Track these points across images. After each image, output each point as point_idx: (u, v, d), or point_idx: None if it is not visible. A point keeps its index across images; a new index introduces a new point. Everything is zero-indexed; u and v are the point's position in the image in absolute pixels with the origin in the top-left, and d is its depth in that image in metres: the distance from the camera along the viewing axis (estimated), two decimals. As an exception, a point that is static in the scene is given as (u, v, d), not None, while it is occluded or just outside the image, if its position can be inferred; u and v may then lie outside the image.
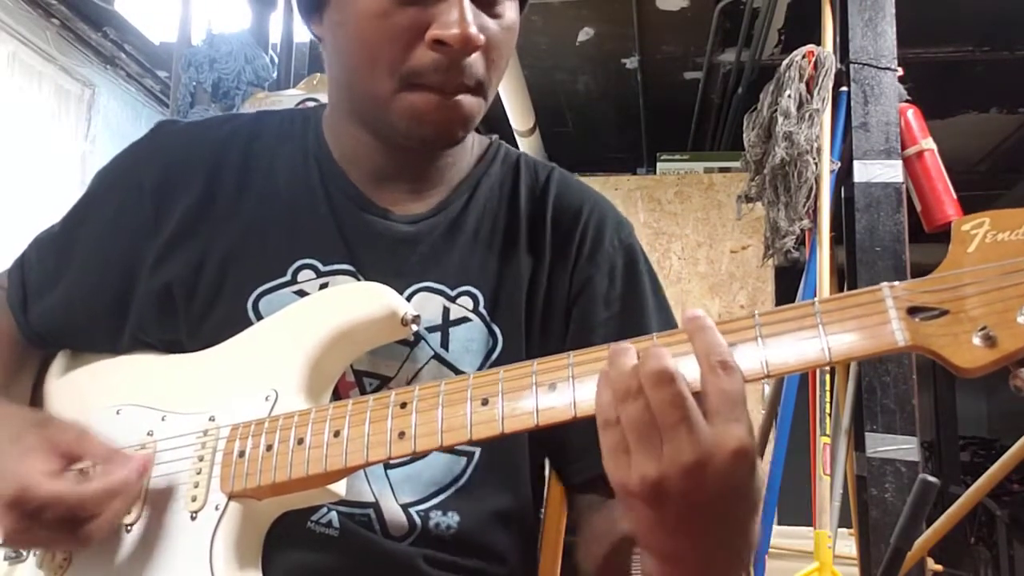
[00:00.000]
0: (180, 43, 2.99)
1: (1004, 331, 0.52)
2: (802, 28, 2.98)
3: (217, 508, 0.73)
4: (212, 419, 0.77)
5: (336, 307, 0.78)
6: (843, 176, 2.11)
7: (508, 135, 4.06)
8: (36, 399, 0.93)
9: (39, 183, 3.63)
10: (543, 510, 0.97)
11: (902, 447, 1.91)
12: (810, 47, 2.10)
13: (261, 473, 0.71)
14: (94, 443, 0.76)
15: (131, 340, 0.87)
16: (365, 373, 0.82)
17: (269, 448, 0.72)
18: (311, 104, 2.39)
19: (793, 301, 2.22)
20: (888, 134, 2.08)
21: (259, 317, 0.82)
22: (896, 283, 0.56)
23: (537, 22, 3.70)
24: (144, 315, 0.86)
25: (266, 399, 0.75)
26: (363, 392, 0.82)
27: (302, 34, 3.14)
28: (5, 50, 3.51)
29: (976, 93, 4.18)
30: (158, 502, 0.76)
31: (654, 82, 4.28)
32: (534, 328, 0.86)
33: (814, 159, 2.03)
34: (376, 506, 0.79)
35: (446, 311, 0.84)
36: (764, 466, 2.15)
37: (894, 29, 2.13)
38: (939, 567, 1.97)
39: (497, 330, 0.84)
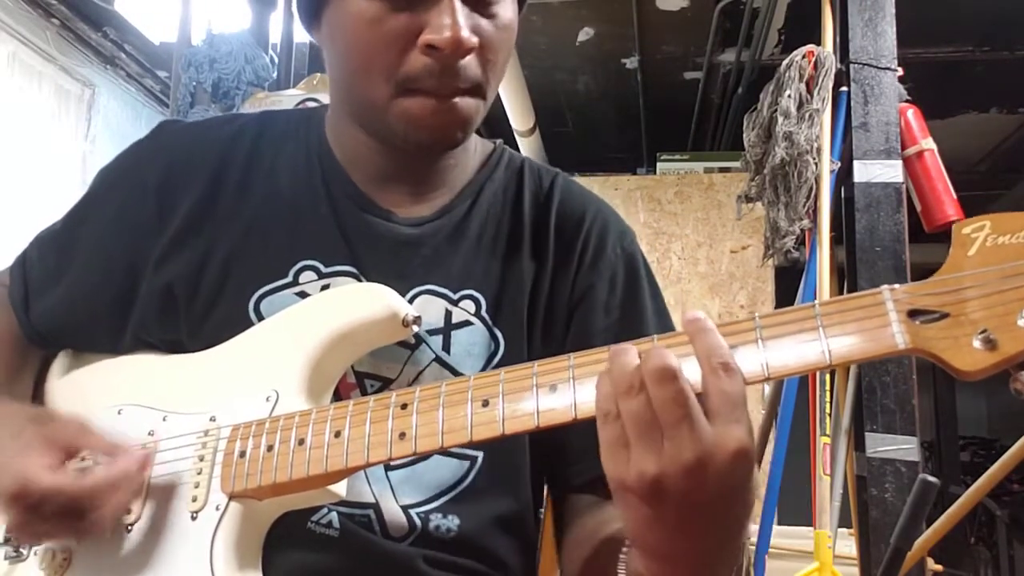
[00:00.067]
0: (180, 43, 2.99)
1: (1004, 334, 0.52)
2: (802, 28, 2.98)
3: (218, 508, 0.73)
4: (213, 419, 0.77)
5: (337, 308, 0.78)
6: (843, 176, 2.11)
7: (508, 135, 4.06)
8: (37, 399, 0.93)
9: (39, 183, 3.63)
10: (543, 511, 0.97)
11: (902, 447, 1.91)
12: (810, 47, 2.10)
13: (262, 473, 0.71)
14: (95, 437, 0.76)
15: (132, 339, 0.87)
16: (366, 375, 0.82)
17: (270, 448, 0.72)
18: (311, 104, 2.40)
19: (793, 301, 2.23)
20: (888, 134, 2.08)
21: (260, 318, 0.82)
22: (896, 286, 0.56)
23: (537, 22, 3.70)
24: (146, 314, 0.86)
25: (267, 399, 0.75)
26: (364, 393, 0.82)
27: (302, 34, 3.14)
28: (5, 50, 3.51)
29: (976, 93, 4.18)
30: (159, 502, 0.76)
31: (654, 82, 4.29)
32: (536, 333, 0.86)
33: (814, 159, 2.03)
34: (376, 507, 0.79)
35: (448, 314, 0.84)
36: (764, 466, 2.15)
37: (894, 29, 2.13)
38: (939, 567, 1.98)
39: (499, 334, 0.85)
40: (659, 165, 4.05)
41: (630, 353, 0.57)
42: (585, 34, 3.84)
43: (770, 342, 0.57)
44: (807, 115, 2.04)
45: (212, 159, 0.88)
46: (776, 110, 2.06)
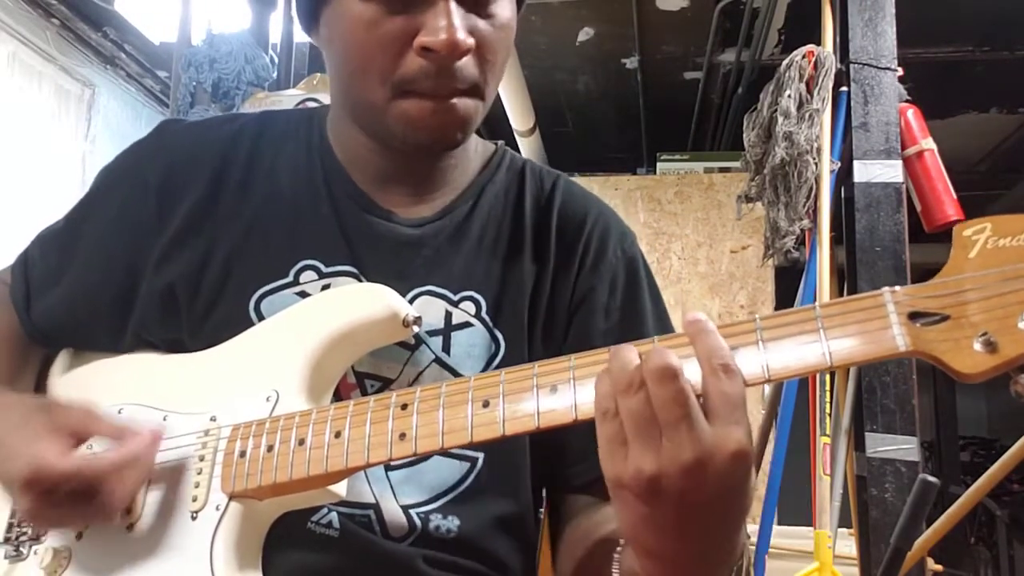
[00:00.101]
0: (180, 43, 2.99)
1: (1005, 337, 0.52)
2: (802, 28, 2.98)
3: (218, 508, 0.73)
4: (213, 419, 0.77)
5: (337, 308, 0.78)
6: (843, 176, 2.11)
7: (508, 135, 4.06)
8: (38, 397, 0.94)
9: (39, 183, 3.63)
10: (543, 511, 0.97)
11: (902, 447, 1.91)
12: (810, 47, 2.10)
13: (262, 473, 0.71)
14: (101, 421, 0.77)
15: (133, 338, 0.87)
16: (367, 375, 0.82)
17: (270, 448, 0.72)
18: (311, 104, 2.40)
19: (793, 301, 2.22)
20: (888, 134, 2.08)
21: (260, 318, 0.82)
22: (897, 288, 0.56)
23: (536, 22, 3.70)
24: (147, 313, 0.86)
25: (267, 399, 0.75)
26: (364, 394, 0.82)
27: (302, 34, 3.12)
28: (5, 50, 3.51)
29: (976, 93, 4.18)
30: (159, 502, 0.76)
31: (654, 82, 4.29)
32: (536, 335, 0.86)
33: (814, 159, 2.03)
34: (376, 507, 0.79)
35: (448, 315, 0.84)
36: (764, 466, 2.15)
37: (894, 29, 2.13)
38: (939, 567, 1.98)
39: (499, 336, 0.85)
40: (659, 165, 4.05)
41: (631, 352, 0.57)
42: (585, 34, 3.84)
43: (771, 344, 0.57)
44: (807, 115, 2.04)
45: (213, 159, 0.88)
46: (776, 110, 2.06)
